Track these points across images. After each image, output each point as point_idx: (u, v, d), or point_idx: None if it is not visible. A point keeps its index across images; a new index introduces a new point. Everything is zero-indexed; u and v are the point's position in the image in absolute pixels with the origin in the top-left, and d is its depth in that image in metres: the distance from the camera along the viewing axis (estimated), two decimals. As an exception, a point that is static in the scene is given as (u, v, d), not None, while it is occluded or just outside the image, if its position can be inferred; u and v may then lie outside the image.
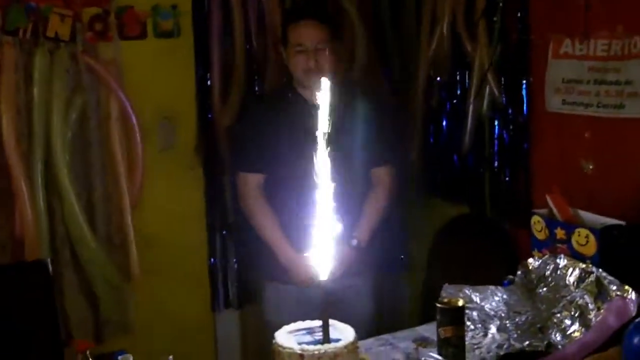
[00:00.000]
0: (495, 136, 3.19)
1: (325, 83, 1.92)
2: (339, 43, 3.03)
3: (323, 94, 1.90)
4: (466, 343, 2.05)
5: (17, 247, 2.95)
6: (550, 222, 2.46)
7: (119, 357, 2.09)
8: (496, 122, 3.17)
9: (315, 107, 2.96)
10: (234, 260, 3.45)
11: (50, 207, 3.00)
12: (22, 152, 2.90)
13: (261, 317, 3.15)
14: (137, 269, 3.13)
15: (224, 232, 3.42)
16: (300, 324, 2.02)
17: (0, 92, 2.83)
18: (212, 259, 3.44)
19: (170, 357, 1.84)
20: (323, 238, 1.90)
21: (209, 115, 3.31)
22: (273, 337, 1.94)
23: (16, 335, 2.60)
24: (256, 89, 3.35)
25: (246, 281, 3.46)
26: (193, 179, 3.36)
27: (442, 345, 1.99)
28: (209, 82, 3.29)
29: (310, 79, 2.89)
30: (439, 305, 2.01)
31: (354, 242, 2.95)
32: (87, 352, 1.83)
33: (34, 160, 2.93)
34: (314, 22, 2.92)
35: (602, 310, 2.07)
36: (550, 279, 2.28)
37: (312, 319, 2.01)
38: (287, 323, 2.03)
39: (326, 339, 1.91)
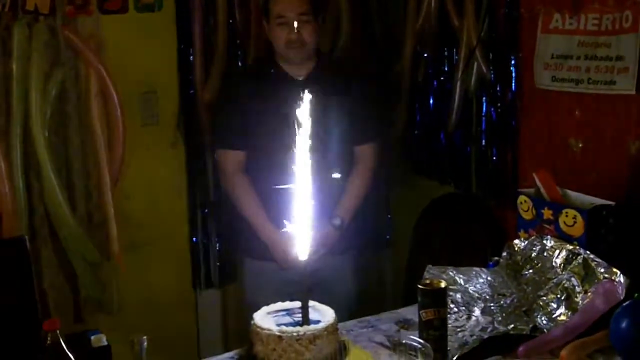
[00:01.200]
0: (483, 113, 3.16)
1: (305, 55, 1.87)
2: (322, 15, 2.97)
3: (304, 69, 1.84)
4: (449, 326, 2.01)
5: (-6, 224, 2.91)
6: (538, 202, 2.42)
7: (92, 337, 2.05)
8: (484, 99, 3.13)
9: (297, 83, 2.93)
10: (216, 238, 3.41)
11: (29, 184, 2.95)
12: (0, 127, 2.85)
13: (242, 296, 3.12)
14: (117, 247, 3.08)
15: (206, 210, 3.38)
16: (279, 305, 1.99)
17: (-22, 67, 2.77)
18: (193, 238, 3.39)
19: (144, 337, 1.79)
20: (304, 216, 1.85)
21: (191, 91, 3.25)
22: (252, 317, 1.91)
23: (-8, 313, 2.56)
24: (239, 64, 3.29)
25: (228, 260, 3.43)
26: (175, 155, 3.32)
27: (424, 328, 1.95)
28: (190, 57, 3.24)
29: (292, 52, 2.84)
30: (420, 286, 1.97)
31: (337, 220, 2.91)
32: (57, 332, 1.77)
33: (12, 136, 2.88)
34: None
35: (589, 293, 2.05)
36: (536, 261, 2.24)
37: (292, 298, 1.98)
38: (267, 301, 2.00)
39: (305, 321, 1.87)
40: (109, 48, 3.07)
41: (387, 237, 3.78)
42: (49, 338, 1.78)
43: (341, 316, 1.97)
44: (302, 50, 2.85)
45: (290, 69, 2.91)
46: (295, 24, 2.81)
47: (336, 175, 2.89)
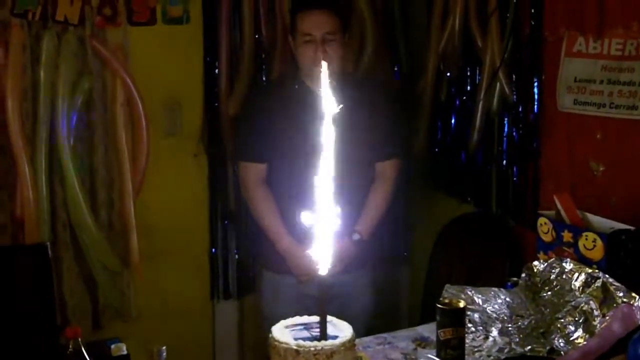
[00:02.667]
0: (505, 134, 3.15)
1: (330, 73, 1.88)
2: (347, 35, 2.99)
3: (328, 85, 1.86)
4: (466, 346, 2.01)
5: (17, 230, 2.94)
6: (557, 225, 2.42)
7: (112, 346, 2.07)
8: (506, 120, 3.14)
9: (321, 98, 2.94)
10: (235, 250, 3.43)
11: (52, 191, 2.98)
12: (27, 134, 2.89)
13: (259, 308, 3.13)
14: (137, 256, 3.11)
15: (226, 222, 3.40)
16: (297, 319, 1.99)
17: (7, 74, 2.81)
18: (213, 249, 3.41)
19: (163, 347, 1.81)
20: (324, 231, 1.87)
21: (215, 104, 3.29)
22: (270, 329, 1.92)
23: (12, 318, 2.58)
24: (263, 78, 3.32)
25: (246, 271, 3.45)
26: (197, 166, 3.35)
27: (442, 347, 1.95)
28: (216, 70, 3.27)
29: (317, 71, 2.85)
30: (439, 306, 1.98)
31: (356, 236, 2.92)
32: (79, 339, 1.80)
33: (38, 143, 2.91)
34: (324, 12, 2.87)
35: (607, 317, 2.04)
36: (555, 283, 2.24)
37: (310, 311, 1.99)
38: (284, 314, 2.01)
39: (323, 336, 1.88)
40: (136, 59, 3.11)
41: (405, 253, 3.79)
42: (70, 345, 1.81)
43: (357, 331, 1.97)
44: (328, 67, 2.86)
45: (314, 84, 2.92)
46: (321, 42, 2.82)
47: (356, 237, 2.91)
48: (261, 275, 3.16)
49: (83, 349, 1.81)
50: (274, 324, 1.95)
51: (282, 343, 1.86)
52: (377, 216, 3.01)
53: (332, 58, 2.82)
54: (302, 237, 2.79)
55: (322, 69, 2.60)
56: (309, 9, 2.88)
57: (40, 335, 2.64)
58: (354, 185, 2.83)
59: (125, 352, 2.14)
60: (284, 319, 1.99)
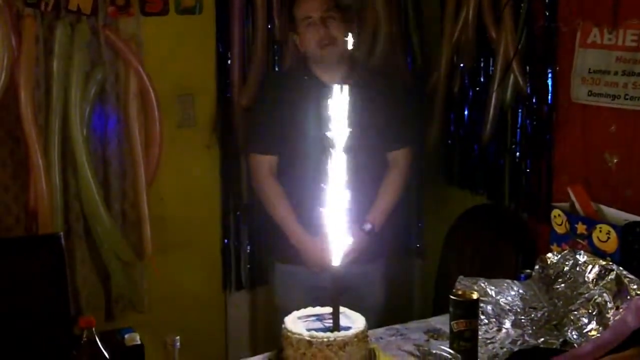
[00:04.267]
0: (518, 126, 3.15)
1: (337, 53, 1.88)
2: (349, 11, 2.98)
3: (337, 75, 1.86)
4: (479, 337, 2.01)
5: (30, 220, 2.95)
6: (571, 217, 2.41)
7: (126, 335, 2.08)
8: (519, 112, 3.13)
9: (331, 89, 2.94)
10: (247, 241, 3.43)
11: (66, 181, 2.98)
12: (40, 125, 2.89)
13: (271, 299, 3.14)
14: (150, 247, 3.11)
15: (238, 213, 3.40)
16: (310, 310, 2.00)
17: (20, 64, 2.81)
18: (225, 240, 3.42)
19: (177, 337, 1.82)
20: (336, 222, 1.87)
21: (228, 94, 3.28)
22: (282, 320, 1.92)
23: (26, 308, 2.59)
24: (276, 69, 3.32)
25: (258, 263, 3.45)
26: (210, 158, 3.35)
27: (455, 339, 1.95)
28: (229, 61, 3.27)
29: (325, 52, 2.85)
30: (452, 297, 1.97)
31: (368, 226, 2.92)
32: (93, 329, 1.80)
33: (51, 134, 2.92)
34: None
35: (621, 309, 2.03)
36: (568, 275, 2.23)
37: (322, 303, 1.99)
38: (296, 306, 2.02)
39: (336, 327, 1.88)
40: (149, 49, 3.11)
41: (418, 245, 3.79)
42: (84, 335, 1.81)
43: (369, 323, 1.98)
44: (334, 49, 2.86)
45: (324, 75, 2.92)
46: (322, 22, 2.84)
47: (367, 227, 2.91)
48: (273, 266, 3.16)
49: (97, 338, 1.81)
50: (286, 315, 1.96)
51: (294, 334, 1.87)
52: (389, 206, 3.00)
53: (335, 34, 2.84)
54: (313, 228, 2.79)
55: (332, 54, 2.60)
56: None
57: (54, 326, 2.65)
58: (366, 176, 2.82)
59: (138, 342, 2.16)
60: (296, 310, 1.99)
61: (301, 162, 2.87)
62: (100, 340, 1.83)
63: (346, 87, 1.86)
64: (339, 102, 1.86)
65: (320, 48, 2.86)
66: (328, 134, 1.85)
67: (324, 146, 1.87)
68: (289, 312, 1.99)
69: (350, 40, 2.74)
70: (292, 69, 3.19)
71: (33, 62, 2.85)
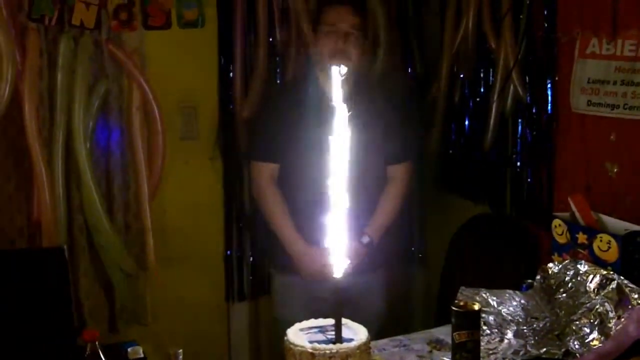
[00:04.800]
0: (519, 135, 3.16)
1: (343, 72, 1.89)
2: (365, 36, 3.00)
3: (341, 85, 1.87)
4: (482, 348, 2.01)
5: (34, 233, 2.97)
6: (572, 226, 2.42)
7: (129, 349, 2.09)
8: (520, 121, 3.14)
9: (334, 100, 2.95)
10: (249, 252, 3.45)
11: (69, 194, 3.00)
12: (43, 137, 2.91)
13: (272, 309, 3.14)
14: (153, 258, 3.12)
15: (241, 224, 3.42)
16: (312, 322, 2.00)
17: (24, 78, 2.83)
18: (227, 251, 3.43)
19: (180, 350, 1.83)
20: (335, 232, 1.87)
21: (230, 106, 3.30)
22: (283, 330, 1.93)
23: (30, 320, 2.61)
24: (277, 81, 3.33)
25: (261, 273, 3.46)
26: (212, 169, 3.36)
27: (457, 350, 1.96)
28: (231, 74, 3.29)
29: (334, 62, 2.85)
30: (454, 308, 1.98)
31: (366, 239, 2.93)
32: (97, 343, 1.81)
33: (55, 146, 2.93)
34: (350, 8, 2.93)
35: (622, 319, 2.04)
36: (570, 285, 2.24)
37: (322, 314, 1.99)
38: (296, 317, 2.02)
39: (338, 339, 1.89)
40: (152, 63, 3.13)
41: (420, 255, 3.80)
42: (88, 348, 1.83)
43: (371, 332, 1.98)
44: (345, 63, 2.87)
45: (327, 86, 2.93)
46: (343, 35, 2.87)
47: (366, 240, 2.92)
48: (273, 277, 3.18)
49: (100, 352, 1.82)
50: (286, 326, 1.96)
51: (297, 346, 1.87)
52: (388, 220, 3.02)
53: (350, 53, 2.86)
54: (312, 237, 2.80)
55: (337, 67, 2.61)
56: (336, 3, 2.95)
57: (57, 338, 2.67)
58: (366, 188, 2.84)
59: (141, 356, 2.16)
60: (296, 321, 1.99)
61: (301, 171, 2.89)
62: (103, 354, 1.84)
63: (348, 99, 1.87)
64: (340, 113, 1.86)
65: (331, 58, 2.87)
66: (329, 144, 1.86)
67: (324, 156, 1.88)
68: (288, 323, 1.98)
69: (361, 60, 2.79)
70: (295, 79, 3.21)
71: (37, 76, 2.87)
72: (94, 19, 2.94)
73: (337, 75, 1.88)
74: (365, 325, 1.96)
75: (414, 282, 3.85)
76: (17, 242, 2.96)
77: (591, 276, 2.20)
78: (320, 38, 2.93)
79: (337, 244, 1.88)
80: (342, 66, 1.91)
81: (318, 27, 2.96)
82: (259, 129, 3.08)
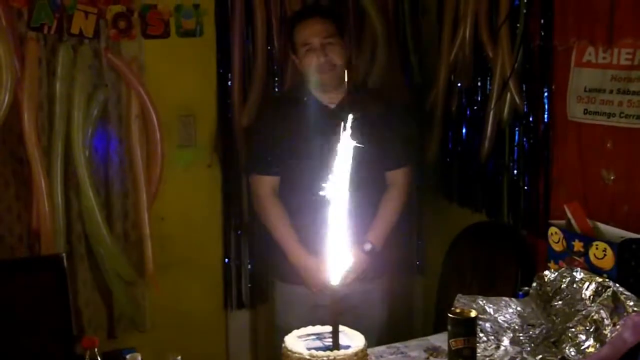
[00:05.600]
0: (515, 143, 3.17)
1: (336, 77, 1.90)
2: (346, 38, 3.01)
3: (337, 97, 1.88)
4: (478, 355, 2.03)
5: (33, 240, 2.98)
6: (568, 234, 2.43)
7: (127, 356, 2.09)
8: (516, 130, 3.15)
9: (331, 111, 2.96)
10: (248, 260, 3.45)
11: (68, 202, 3.02)
12: (42, 146, 2.93)
13: (272, 318, 3.15)
14: (151, 266, 3.14)
15: (239, 232, 3.42)
16: (310, 329, 2.02)
17: (23, 87, 2.85)
18: (226, 259, 3.44)
19: (179, 357, 1.84)
20: (337, 242, 1.89)
21: (229, 115, 3.32)
22: (283, 339, 1.94)
23: (29, 328, 2.61)
24: (276, 89, 3.35)
25: (259, 281, 3.47)
26: (211, 177, 3.37)
27: (453, 357, 1.97)
28: (229, 82, 3.30)
29: (324, 77, 2.87)
30: (451, 315, 1.99)
31: (368, 246, 2.93)
32: (95, 350, 1.83)
33: (54, 155, 2.95)
34: (317, 19, 2.92)
35: (617, 326, 2.05)
36: (566, 292, 2.25)
37: (323, 322, 2.01)
38: (297, 325, 2.03)
39: (336, 346, 1.90)
40: (150, 71, 3.15)
41: (418, 263, 3.81)
42: (87, 355, 1.84)
43: (370, 341, 2.00)
44: (334, 73, 2.88)
45: (323, 97, 2.94)
46: (321, 48, 2.85)
47: (368, 247, 2.93)
48: (274, 286, 3.18)
49: (99, 359, 1.83)
50: (286, 334, 1.98)
51: (294, 353, 1.88)
52: (389, 225, 3.02)
53: (335, 61, 2.86)
54: (314, 247, 2.81)
55: (331, 79, 2.63)
56: (303, 19, 2.94)
57: (56, 345, 2.67)
58: (366, 195, 2.84)
59: (140, 362, 2.16)
60: (297, 329, 2.01)
61: (301, 182, 2.89)
62: (103, 360, 1.86)
63: (345, 108, 1.89)
64: (338, 123, 1.88)
65: (320, 73, 2.88)
66: (328, 154, 1.88)
67: (323, 166, 1.89)
68: (289, 331, 2.00)
69: (348, 64, 2.80)
70: (292, 90, 3.22)
71: (36, 84, 2.89)
72: (93, 28, 2.97)
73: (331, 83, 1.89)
74: (365, 334, 1.97)
75: (413, 289, 3.86)
76: (17, 250, 2.98)
77: (587, 283, 2.21)
78: (302, 59, 2.92)
79: (340, 252, 1.89)
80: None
81: (296, 50, 2.95)
82: (257, 142, 3.08)
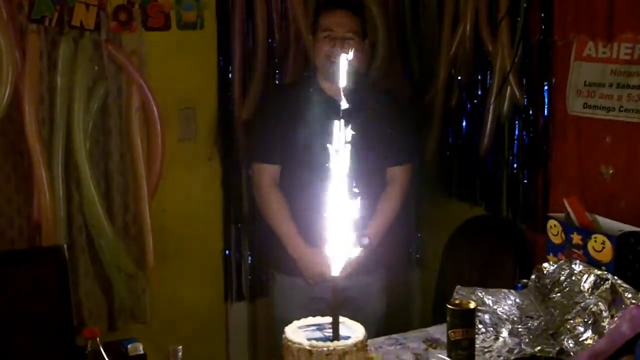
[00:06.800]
0: (515, 138, 3.18)
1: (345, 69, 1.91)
2: (364, 41, 3.02)
3: (343, 85, 1.89)
4: (476, 346, 2.04)
5: (34, 233, 2.98)
6: (567, 227, 2.44)
7: (128, 345, 2.11)
8: (516, 124, 3.16)
9: (335, 101, 2.96)
10: (248, 252, 3.46)
11: (69, 194, 3.02)
12: (43, 138, 2.92)
13: (271, 310, 3.17)
14: (152, 258, 3.14)
15: (239, 225, 3.43)
16: (310, 320, 2.02)
17: (24, 79, 2.84)
18: (226, 251, 3.45)
19: (179, 347, 1.85)
20: (336, 234, 1.90)
21: (229, 107, 3.32)
22: (282, 331, 1.95)
23: (29, 319, 2.63)
24: (276, 82, 3.35)
25: (259, 274, 3.48)
26: (211, 170, 3.38)
27: (452, 348, 1.98)
28: (230, 75, 3.30)
29: (331, 66, 2.87)
30: (450, 307, 2.01)
31: (365, 241, 2.94)
32: (97, 339, 1.84)
33: (55, 147, 2.95)
34: (348, 13, 2.93)
35: (615, 318, 2.06)
36: (564, 285, 2.26)
37: (322, 314, 2.01)
38: (296, 317, 2.04)
39: (336, 336, 1.91)
40: (151, 64, 3.14)
41: (417, 255, 3.82)
42: (88, 345, 1.84)
43: (369, 333, 2.00)
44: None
45: (328, 88, 2.94)
46: (341, 40, 2.87)
47: (365, 241, 2.91)
48: (273, 277, 3.18)
49: (101, 349, 1.84)
50: (285, 326, 1.98)
51: (295, 343, 1.89)
52: (387, 222, 3.02)
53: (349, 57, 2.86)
54: (313, 238, 2.82)
55: (338, 62, 2.63)
56: (333, 8, 2.95)
57: (57, 337, 2.68)
58: (365, 191, 2.84)
59: (141, 352, 2.18)
60: (296, 321, 2.02)
61: (302, 173, 2.90)
62: (104, 351, 1.86)
63: (349, 102, 1.89)
64: (341, 115, 1.89)
65: (329, 62, 2.89)
66: (330, 146, 1.88)
67: (325, 158, 1.90)
68: (288, 323, 2.01)
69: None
70: (296, 81, 3.23)
71: (37, 77, 2.88)
72: (94, 20, 2.96)
73: (344, 63, 1.90)
74: (364, 326, 1.98)
75: (412, 282, 3.87)
76: (17, 243, 2.98)
77: (585, 276, 2.23)
78: (319, 43, 2.94)
79: (338, 245, 1.90)
80: (348, 54, 1.93)
81: (316, 32, 2.96)
82: (260, 131, 3.08)
